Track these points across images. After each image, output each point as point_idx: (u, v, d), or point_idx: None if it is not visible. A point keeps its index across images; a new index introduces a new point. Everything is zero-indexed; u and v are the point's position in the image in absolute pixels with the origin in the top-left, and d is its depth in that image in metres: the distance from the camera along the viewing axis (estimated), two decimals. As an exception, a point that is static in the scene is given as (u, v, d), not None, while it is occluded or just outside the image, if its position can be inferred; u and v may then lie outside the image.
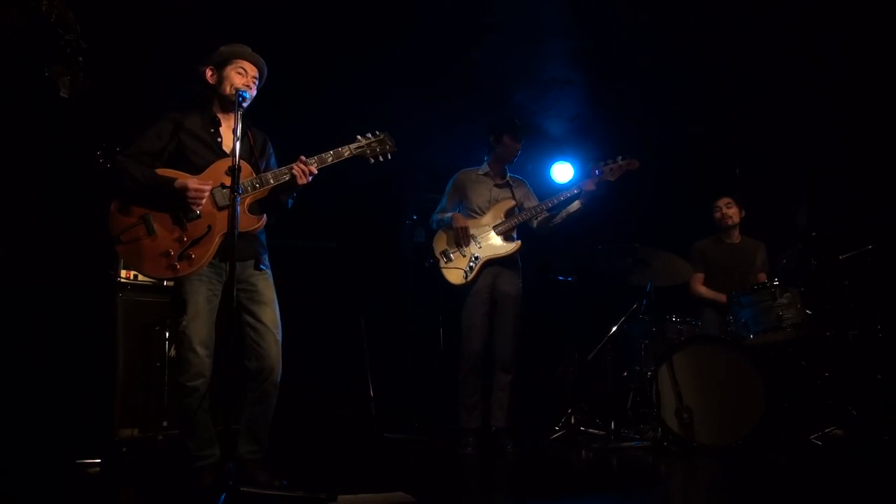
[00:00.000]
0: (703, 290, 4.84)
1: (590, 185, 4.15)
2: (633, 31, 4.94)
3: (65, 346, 4.12)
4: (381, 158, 3.12)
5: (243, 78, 2.99)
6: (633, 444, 4.34)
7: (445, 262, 4.26)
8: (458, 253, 4.26)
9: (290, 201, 3.12)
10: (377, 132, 3.13)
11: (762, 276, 4.69)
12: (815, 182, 5.39)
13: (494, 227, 4.28)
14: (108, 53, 3.88)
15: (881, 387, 4.17)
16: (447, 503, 2.92)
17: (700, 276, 4.85)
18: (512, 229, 4.29)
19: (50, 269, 4.25)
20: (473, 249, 4.24)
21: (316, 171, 2.97)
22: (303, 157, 2.96)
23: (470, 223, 4.30)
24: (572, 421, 4.79)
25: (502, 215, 4.32)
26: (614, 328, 5.03)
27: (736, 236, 4.90)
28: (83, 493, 3.09)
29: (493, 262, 4.25)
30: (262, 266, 3.00)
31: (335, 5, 4.58)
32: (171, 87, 4.63)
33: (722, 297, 4.67)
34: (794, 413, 4.25)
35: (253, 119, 3.15)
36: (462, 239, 4.23)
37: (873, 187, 5.04)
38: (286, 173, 2.93)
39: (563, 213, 4.27)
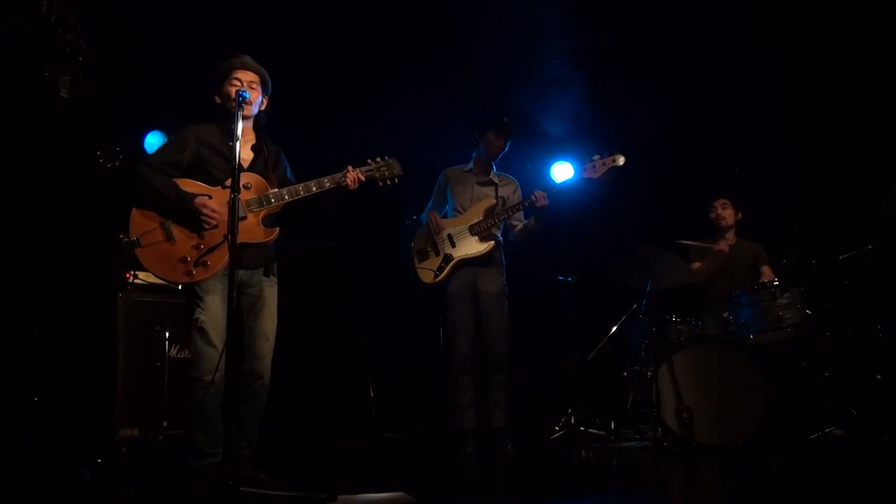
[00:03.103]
0: (697, 266, 4.78)
1: (542, 201, 4.08)
2: (634, 31, 4.94)
3: (65, 346, 4.12)
4: (388, 182, 3.21)
5: (237, 87, 3.03)
6: (633, 444, 4.34)
7: (419, 262, 4.27)
8: (432, 253, 4.26)
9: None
10: (386, 157, 3.22)
11: (768, 273, 4.65)
12: (815, 182, 5.39)
13: (470, 227, 4.24)
14: (108, 53, 3.89)
15: (881, 387, 4.17)
16: (447, 503, 2.92)
17: (697, 264, 4.82)
18: (489, 228, 4.23)
19: (51, 269, 4.25)
20: (447, 249, 4.23)
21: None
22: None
23: (450, 222, 4.30)
24: (572, 421, 4.79)
25: (481, 214, 4.27)
26: (614, 328, 5.03)
27: (731, 238, 4.88)
28: (83, 493, 3.09)
29: (470, 262, 4.22)
30: (270, 274, 3.09)
31: (335, 5, 4.58)
32: (170, 88, 4.65)
33: (707, 263, 4.65)
34: (794, 413, 4.24)
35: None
36: (436, 238, 4.24)
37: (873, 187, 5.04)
38: (306, 191, 3.02)
39: (522, 227, 4.28)
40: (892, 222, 4.76)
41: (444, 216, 4.42)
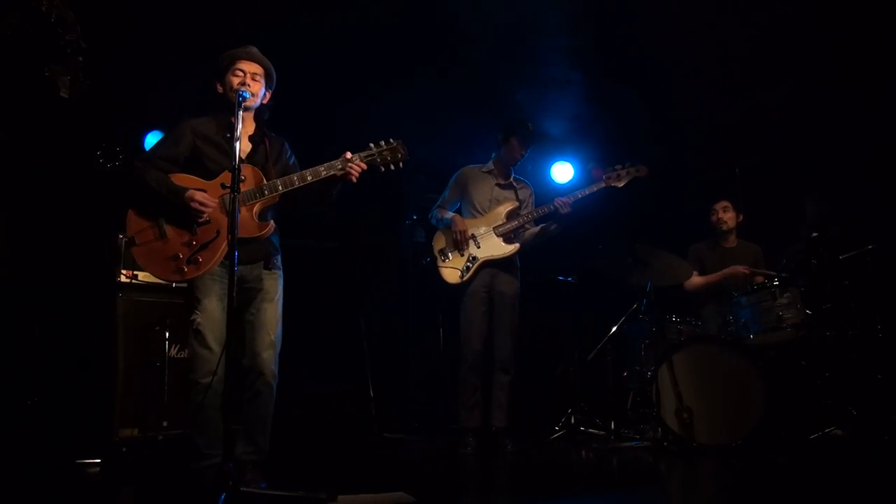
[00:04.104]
0: (698, 280, 4.81)
1: (565, 209, 4.14)
2: (633, 31, 4.94)
3: (65, 346, 4.12)
4: (392, 167, 3.04)
5: (240, 78, 3.00)
6: (633, 444, 4.34)
7: (443, 261, 4.26)
8: (455, 252, 4.25)
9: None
10: (390, 140, 3.05)
11: (759, 279, 4.67)
12: (815, 182, 5.38)
13: (495, 229, 4.27)
14: (108, 53, 3.88)
15: (881, 387, 4.17)
16: (447, 503, 2.92)
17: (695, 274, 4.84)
18: (512, 231, 4.28)
19: (50, 269, 4.25)
20: (472, 250, 4.24)
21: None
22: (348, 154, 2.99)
23: (470, 223, 4.30)
24: (572, 421, 4.79)
25: (504, 217, 4.31)
26: (614, 328, 5.03)
27: (732, 240, 4.88)
28: (83, 493, 3.09)
29: (491, 263, 4.24)
30: (271, 267, 3.02)
31: (336, 5, 4.58)
32: (169, 88, 4.64)
33: (714, 277, 4.68)
34: (794, 413, 4.24)
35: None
36: (461, 242, 4.23)
37: (873, 187, 5.04)
38: (301, 181, 2.93)
39: (538, 232, 4.31)
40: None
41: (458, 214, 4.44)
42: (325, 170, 2.96)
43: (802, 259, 4.48)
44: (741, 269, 4.63)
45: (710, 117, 5.67)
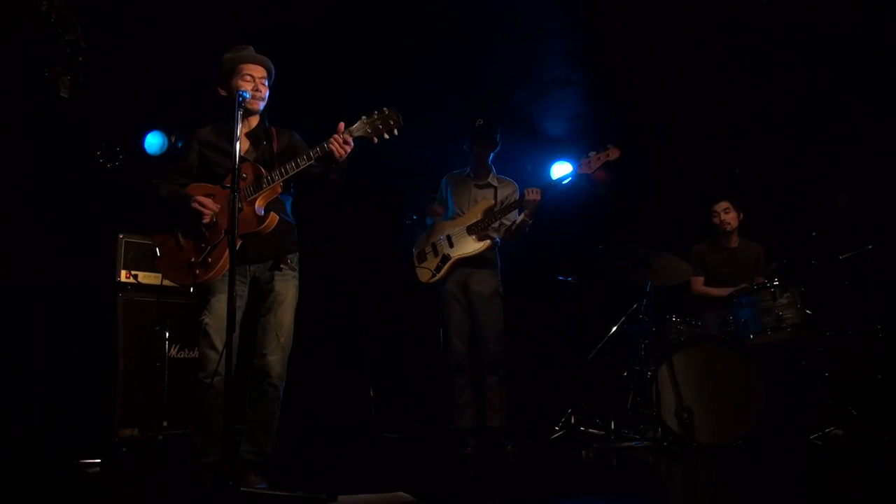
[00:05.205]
0: (706, 290, 4.82)
1: (531, 195, 4.12)
2: (633, 31, 4.94)
3: (65, 346, 4.12)
4: (386, 136, 2.93)
5: (250, 83, 2.99)
6: (633, 444, 4.34)
7: (419, 263, 4.33)
8: (431, 254, 4.32)
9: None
10: (383, 109, 2.95)
11: (759, 279, 4.67)
12: (815, 181, 5.38)
13: (468, 227, 4.26)
14: (108, 53, 3.89)
15: (881, 387, 4.17)
16: (447, 503, 2.92)
17: (700, 278, 4.85)
18: (486, 228, 4.25)
19: (50, 269, 4.25)
20: (445, 249, 4.27)
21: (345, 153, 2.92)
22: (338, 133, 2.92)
23: (448, 224, 4.35)
24: (572, 421, 4.79)
25: (480, 214, 4.30)
26: (614, 328, 5.03)
27: (734, 240, 4.87)
28: (83, 493, 3.09)
29: (464, 263, 4.25)
30: (282, 267, 3.01)
31: (336, 5, 4.58)
32: (169, 88, 4.65)
33: (724, 292, 4.67)
34: (794, 413, 4.24)
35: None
36: (434, 229, 4.29)
37: (874, 187, 5.04)
38: (292, 168, 2.91)
39: (512, 227, 4.28)
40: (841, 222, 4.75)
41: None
42: (315, 151, 2.92)
43: (802, 259, 4.48)
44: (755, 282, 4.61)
45: (710, 116, 5.67)
